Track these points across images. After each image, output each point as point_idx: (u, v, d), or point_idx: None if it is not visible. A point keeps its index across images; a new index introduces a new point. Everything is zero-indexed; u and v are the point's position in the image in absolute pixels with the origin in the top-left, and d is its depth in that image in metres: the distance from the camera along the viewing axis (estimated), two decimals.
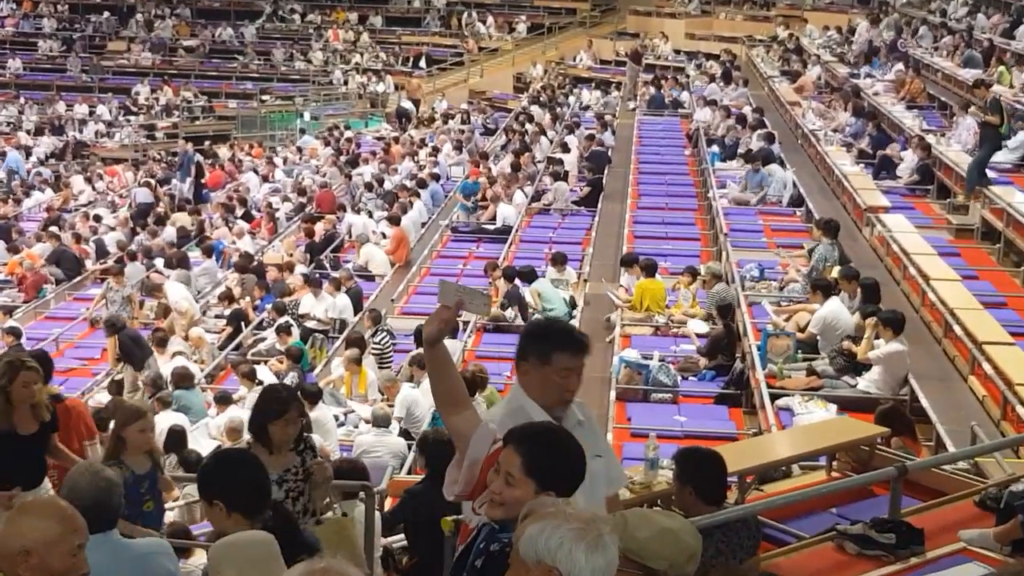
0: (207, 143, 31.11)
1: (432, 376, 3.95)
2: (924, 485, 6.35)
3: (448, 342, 13.07)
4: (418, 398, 11.21)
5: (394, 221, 18.52)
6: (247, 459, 4.24)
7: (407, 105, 33.90)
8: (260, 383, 12.11)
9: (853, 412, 9.24)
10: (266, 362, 13.50)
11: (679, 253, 16.20)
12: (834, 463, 6.90)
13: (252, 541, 3.61)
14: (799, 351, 10.90)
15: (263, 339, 14.68)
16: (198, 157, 26.37)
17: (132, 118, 35.09)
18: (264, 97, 36.69)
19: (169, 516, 6.82)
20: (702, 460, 5.13)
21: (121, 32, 41.74)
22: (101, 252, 20.46)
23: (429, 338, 3.85)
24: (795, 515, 6.01)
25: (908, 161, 17.94)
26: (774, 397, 9.96)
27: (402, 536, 6.76)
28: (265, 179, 25.78)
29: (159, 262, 18.58)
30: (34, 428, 6.11)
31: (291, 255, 18.60)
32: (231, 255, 18.59)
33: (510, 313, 14.03)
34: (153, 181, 25.60)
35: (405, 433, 10.99)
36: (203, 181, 25.48)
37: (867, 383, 10.01)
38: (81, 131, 34.13)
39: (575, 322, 13.89)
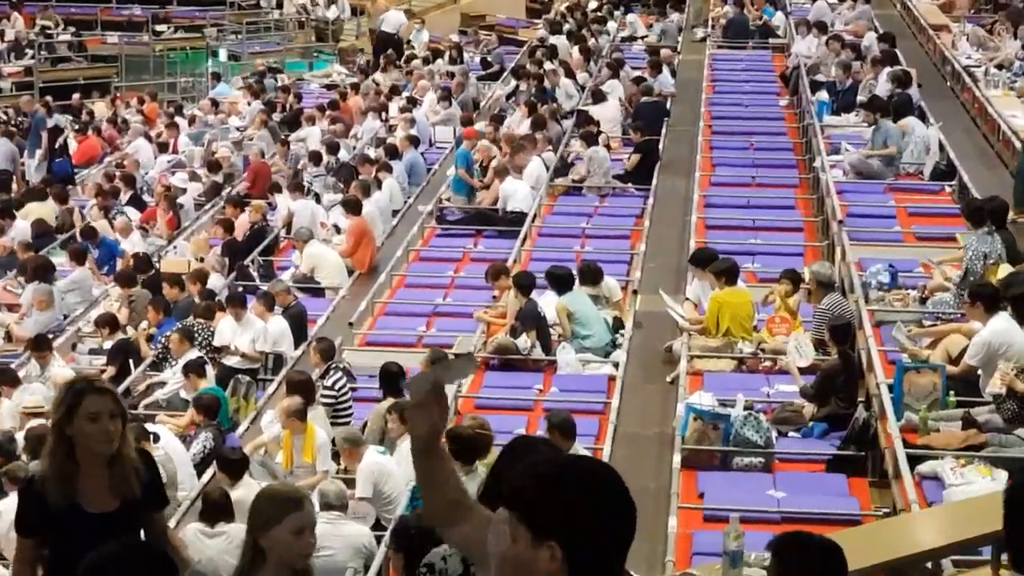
0: (75, 96, 31.20)
1: (426, 489, 4.00)
2: None
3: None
4: (390, 468, 11.21)
5: (353, 207, 18.55)
6: (144, 557, 4.21)
7: (390, 29, 33.32)
8: (155, 438, 12.14)
9: None
10: (156, 417, 13.55)
11: (772, 250, 16.22)
12: (1003, 556, 6.91)
13: None
14: (951, 392, 10.91)
15: (161, 384, 14.71)
16: (58, 119, 26.39)
17: None
18: (159, 28, 36.80)
19: None
20: (809, 552, 5.14)
21: None
22: None
23: (421, 444, 3.90)
24: None
25: None
26: (915, 460, 9.95)
27: None
28: (163, 148, 25.86)
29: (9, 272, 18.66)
30: (112, 504, 5.67)
31: (202, 259, 18.64)
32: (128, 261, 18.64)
33: (523, 341, 14.04)
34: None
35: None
36: (57, 147, 25.49)
37: None
38: None
39: (622, 354, 13.91)
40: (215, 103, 28.79)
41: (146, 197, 22.55)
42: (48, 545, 5.79)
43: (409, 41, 33.60)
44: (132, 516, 5.70)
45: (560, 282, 14.38)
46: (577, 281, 14.78)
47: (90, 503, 5.65)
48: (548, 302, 14.34)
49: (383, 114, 25.31)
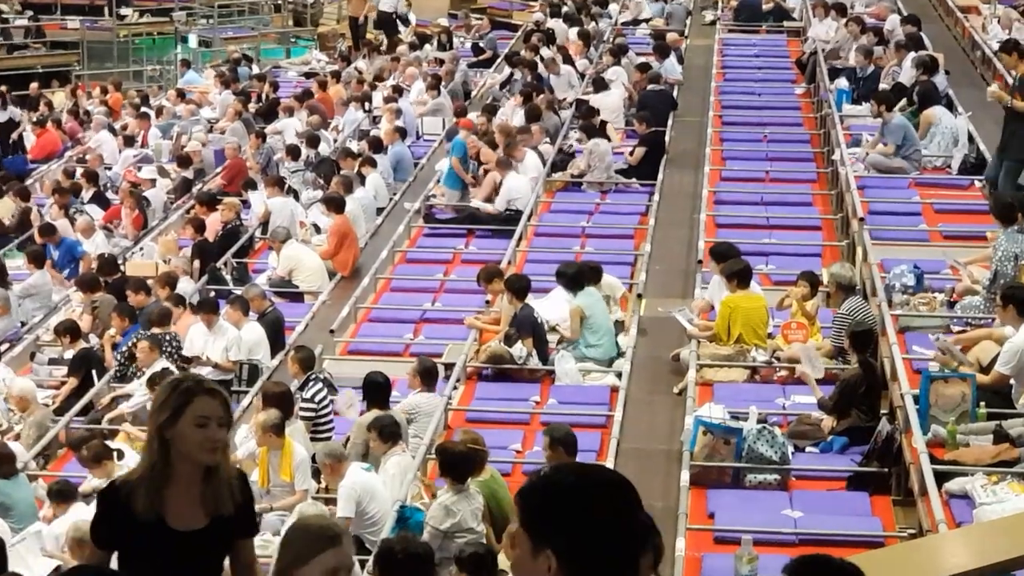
0: (34, 85, 31.17)
1: None
2: None
3: (424, 398, 13.08)
4: (375, 486, 11.21)
5: (334, 205, 18.55)
6: None
7: (387, 8, 33.02)
8: (119, 455, 12.13)
9: None
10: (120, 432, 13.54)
11: (788, 250, 16.24)
12: None
13: None
14: (981, 404, 10.91)
15: (126, 396, 14.70)
16: (12, 112, 26.34)
17: None
18: (123, 12, 36.76)
19: None
20: None
21: None
22: None
23: None
24: None
25: None
26: (942, 477, 9.96)
27: None
28: (128, 142, 25.84)
29: None
30: (201, 521, 5.42)
31: (169, 262, 18.64)
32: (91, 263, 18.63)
33: (519, 349, 14.03)
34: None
35: (356, 541, 11.01)
36: (12, 141, 25.47)
37: None
38: None
39: (625, 363, 13.90)
40: (182, 93, 28.77)
41: (110, 194, 22.53)
42: (123, 562, 5.49)
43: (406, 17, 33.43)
44: (220, 537, 5.47)
45: (572, 281, 14.33)
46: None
47: (176, 519, 5.39)
48: (554, 303, 14.32)
49: (366, 104, 25.29)
